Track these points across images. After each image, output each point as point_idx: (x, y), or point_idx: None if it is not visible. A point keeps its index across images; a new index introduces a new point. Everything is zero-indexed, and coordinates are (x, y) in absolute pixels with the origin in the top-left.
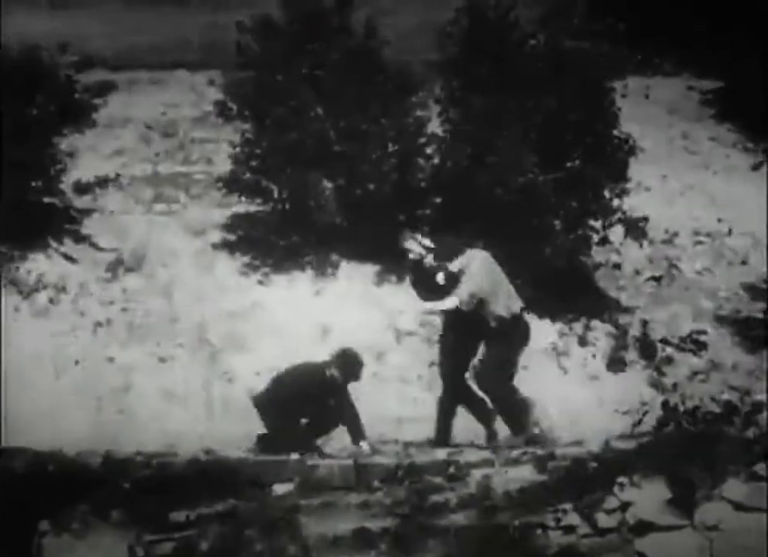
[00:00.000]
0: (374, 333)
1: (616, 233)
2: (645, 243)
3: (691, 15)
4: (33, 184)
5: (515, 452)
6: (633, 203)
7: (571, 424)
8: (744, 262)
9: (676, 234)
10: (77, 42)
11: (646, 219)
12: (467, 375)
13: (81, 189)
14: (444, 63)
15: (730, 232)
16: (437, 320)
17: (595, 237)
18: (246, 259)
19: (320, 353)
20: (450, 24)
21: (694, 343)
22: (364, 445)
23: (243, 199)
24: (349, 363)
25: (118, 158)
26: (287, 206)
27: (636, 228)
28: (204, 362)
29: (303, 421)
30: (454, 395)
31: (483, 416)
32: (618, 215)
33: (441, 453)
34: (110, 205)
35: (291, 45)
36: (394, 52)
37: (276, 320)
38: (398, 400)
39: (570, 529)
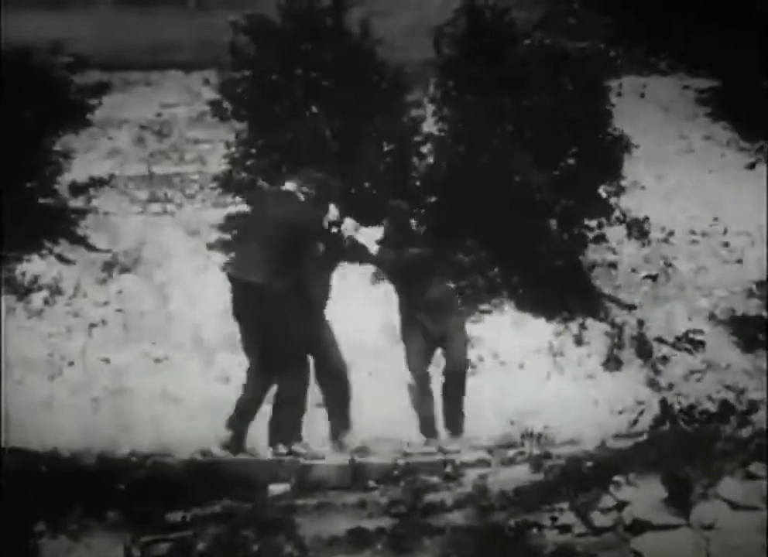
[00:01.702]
0: (371, 332)
1: (612, 231)
2: (643, 242)
3: (686, 14)
4: (28, 185)
5: (510, 452)
6: (629, 202)
7: (567, 423)
8: (739, 261)
9: (672, 233)
10: (71, 43)
11: (647, 218)
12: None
13: (76, 189)
14: (439, 62)
15: (725, 231)
16: None
17: (591, 236)
18: None
19: None
20: (447, 24)
21: (690, 342)
22: None
23: (238, 198)
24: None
25: (112, 159)
26: None
27: (638, 228)
28: (200, 362)
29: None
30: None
31: None
32: (617, 215)
33: (437, 453)
34: (105, 205)
35: (286, 44)
36: (389, 52)
37: None
38: (395, 399)
39: (566, 528)
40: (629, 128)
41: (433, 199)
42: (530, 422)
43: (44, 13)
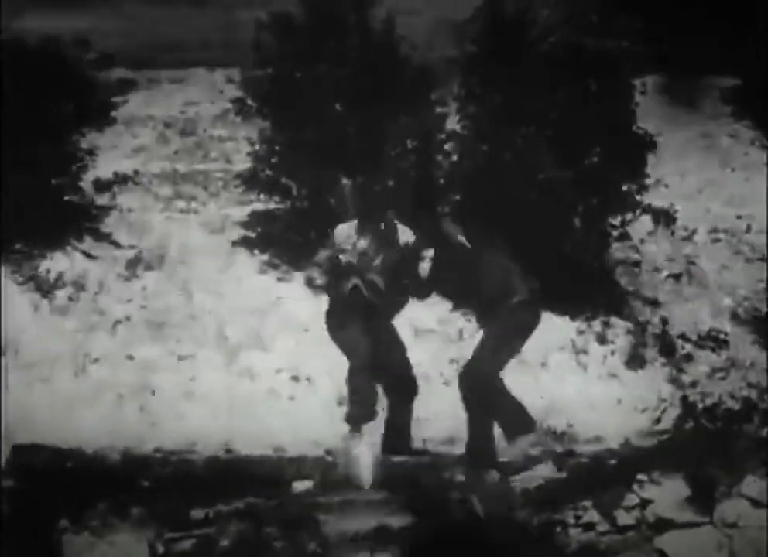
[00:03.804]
0: None
1: (636, 230)
2: (665, 239)
3: (710, 12)
4: (53, 182)
5: (534, 450)
6: (653, 201)
7: (590, 421)
8: (762, 259)
9: (695, 231)
10: (97, 40)
11: (672, 204)
12: None
13: (101, 186)
14: (463, 60)
15: (748, 229)
16: (460, 318)
17: (615, 234)
18: (265, 257)
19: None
20: (470, 21)
21: (713, 341)
22: None
23: (262, 196)
24: None
25: (137, 156)
26: (306, 204)
27: (665, 216)
28: (224, 360)
29: None
30: None
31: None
32: (643, 206)
33: (459, 450)
34: (129, 203)
35: (310, 42)
36: (413, 49)
37: (296, 317)
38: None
39: (589, 526)
40: (652, 127)
41: (456, 197)
42: (553, 421)
43: (69, 10)
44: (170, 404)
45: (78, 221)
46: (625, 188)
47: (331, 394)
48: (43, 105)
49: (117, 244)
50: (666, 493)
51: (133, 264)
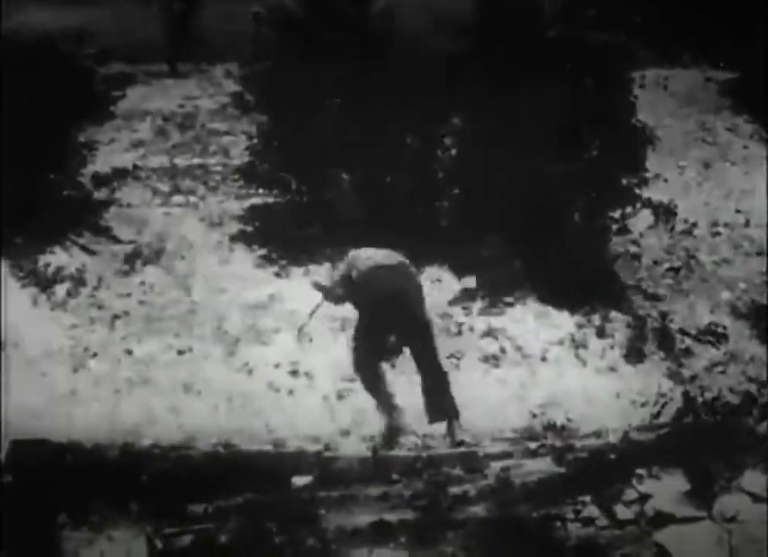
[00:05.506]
0: None
1: (635, 223)
2: (664, 232)
3: (709, 5)
4: (52, 176)
5: (533, 445)
6: (652, 194)
7: (590, 416)
8: (761, 253)
9: (695, 225)
10: (96, 35)
11: (672, 200)
12: None
13: (100, 181)
14: (462, 54)
15: (747, 223)
16: (460, 313)
17: (614, 228)
18: (263, 251)
19: (338, 346)
20: (469, 16)
21: (713, 335)
22: None
23: (260, 191)
24: None
25: (136, 151)
26: (304, 199)
27: (664, 210)
28: (222, 354)
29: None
30: None
31: None
32: (643, 200)
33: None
34: (128, 197)
35: (308, 35)
36: (412, 43)
37: (294, 312)
38: (416, 391)
39: (588, 521)
40: (651, 120)
41: (456, 191)
42: (553, 415)
43: (68, 4)
44: (169, 399)
45: (77, 216)
46: (624, 182)
47: (330, 389)
48: (42, 100)
49: (116, 239)
50: (665, 488)
51: (132, 258)
